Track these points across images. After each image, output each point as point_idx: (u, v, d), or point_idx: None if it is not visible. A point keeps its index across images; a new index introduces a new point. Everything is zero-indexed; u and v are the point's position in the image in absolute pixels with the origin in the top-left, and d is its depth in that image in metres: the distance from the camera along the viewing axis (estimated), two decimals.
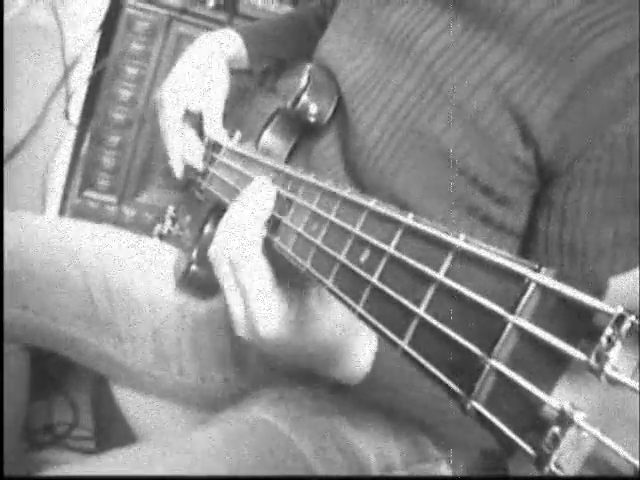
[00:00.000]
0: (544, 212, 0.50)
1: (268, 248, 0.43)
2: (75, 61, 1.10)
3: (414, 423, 0.58)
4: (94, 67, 1.12)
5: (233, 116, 0.75)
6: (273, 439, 0.52)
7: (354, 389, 0.49)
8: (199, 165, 0.70)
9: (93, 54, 1.12)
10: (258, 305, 0.41)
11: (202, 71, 0.71)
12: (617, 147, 0.44)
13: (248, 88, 0.80)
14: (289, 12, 1.12)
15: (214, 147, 0.70)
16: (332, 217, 0.36)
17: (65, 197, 1.19)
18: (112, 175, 1.17)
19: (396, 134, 0.53)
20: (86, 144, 1.17)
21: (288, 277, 0.42)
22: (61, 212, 1.19)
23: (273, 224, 0.44)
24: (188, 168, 0.74)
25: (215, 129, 0.69)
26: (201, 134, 0.73)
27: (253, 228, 0.42)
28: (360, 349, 0.47)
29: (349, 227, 0.34)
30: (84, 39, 1.10)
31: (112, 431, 0.78)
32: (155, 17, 1.10)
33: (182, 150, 0.72)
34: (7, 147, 1.10)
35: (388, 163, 0.53)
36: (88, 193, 1.17)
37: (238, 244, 0.42)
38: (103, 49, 1.12)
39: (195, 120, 0.73)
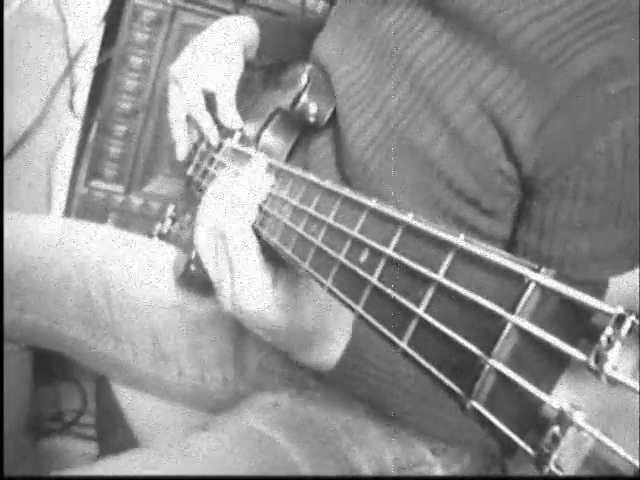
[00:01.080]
0: (523, 223, 0.50)
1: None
2: (79, 53, 1.09)
3: (392, 413, 0.58)
4: (99, 58, 1.11)
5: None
6: (266, 449, 0.52)
7: (325, 375, 0.51)
8: (215, 139, 0.71)
9: (97, 45, 1.11)
10: (243, 278, 0.43)
11: (219, 53, 0.71)
12: (597, 164, 0.44)
13: (249, 85, 0.79)
14: (309, 16, 1.12)
15: (227, 131, 0.70)
16: (332, 216, 0.36)
17: (72, 187, 1.19)
18: (119, 165, 1.17)
19: (386, 142, 0.53)
20: (92, 134, 1.16)
21: (280, 259, 0.44)
22: (68, 202, 1.19)
23: (273, 224, 0.44)
24: (192, 150, 0.74)
25: (229, 112, 0.69)
26: (212, 116, 0.73)
27: (249, 204, 0.44)
28: (334, 340, 0.49)
29: (349, 227, 0.34)
30: (88, 30, 1.09)
31: (112, 428, 0.78)
32: (160, 7, 1.10)
33: (189, 128, 0.72)
34: (12, 139, 1.10)
35: (377, 170, 0.53)
36: (95, 183, 1.17)
37: (232, 218, 0.44)
38: (108, 39, 1.11)
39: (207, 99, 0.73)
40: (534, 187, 0.47)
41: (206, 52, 0.71)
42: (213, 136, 0.71)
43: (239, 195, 0.45)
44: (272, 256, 0.45)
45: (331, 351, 0.49)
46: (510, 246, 0.52)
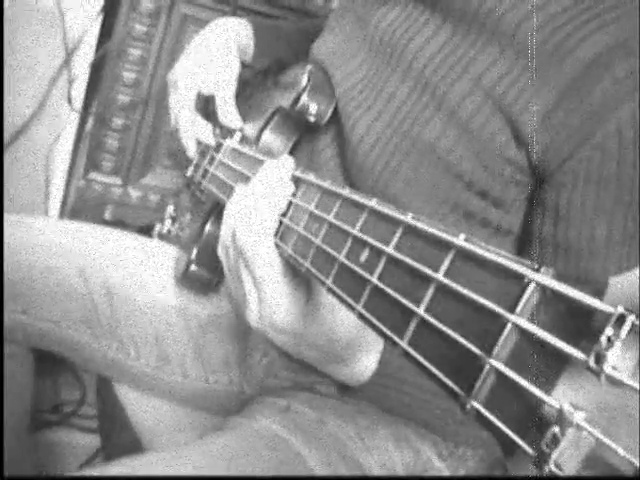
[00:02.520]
0: (538, 212, 0.50)
1: None
2: (76, 45, 1.09)
3: (417, 422, 0.58)
4: (97, 50, 1.11)
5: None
6: (282, 452, 0.52)
7: (355, 390, 0.50)
8: (211, 140, 0.71)
9: (95, 36, 1.11)
10: (272, 294, 0.41)
11: (215, 55, 0.71)
12: (608, 146, 0.44)
13: (248, 85, 0.80)
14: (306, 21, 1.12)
15: (227, 130, 0.70)
16: (332, 216, 0.36)
17: (69, 179, 1.19)
18: (117, 157, 1.16)
19: (392, 140, 0.53)
20: (90, 126, 1.16)
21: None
22: (65, 194, 1.19)
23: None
24: (198, 145, 0.75)
25: (229, 111, 0.69)
26: (209, 117, 0.73)
27: (267, 218, 0.42)
28: (367, 352, 0.48)
29: (349, 227, 0.34)
30: (86, 22, 1.08)
31: (116, 429, 0.78)
32: None
33: (193, 129, 0.72)
34: (9, 131, 1.09)
35: (384, 169, 0.53)
36: (93, 175, 1.16)
37: (249, 234, 0.42)
38: (106, 31, 1.11)
39: (202, 103, 0.73)
40: (546, 174, 0.47)
41: (201, 55, 0.71)
42: (207, 138, 0.72)
43: (254, 210, 0.43)
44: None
45: (365, 364, 0.48)
46: (525, 238, 0.52)
